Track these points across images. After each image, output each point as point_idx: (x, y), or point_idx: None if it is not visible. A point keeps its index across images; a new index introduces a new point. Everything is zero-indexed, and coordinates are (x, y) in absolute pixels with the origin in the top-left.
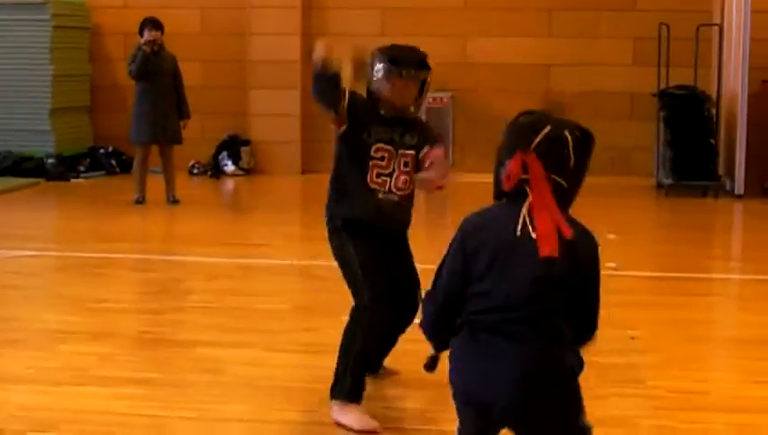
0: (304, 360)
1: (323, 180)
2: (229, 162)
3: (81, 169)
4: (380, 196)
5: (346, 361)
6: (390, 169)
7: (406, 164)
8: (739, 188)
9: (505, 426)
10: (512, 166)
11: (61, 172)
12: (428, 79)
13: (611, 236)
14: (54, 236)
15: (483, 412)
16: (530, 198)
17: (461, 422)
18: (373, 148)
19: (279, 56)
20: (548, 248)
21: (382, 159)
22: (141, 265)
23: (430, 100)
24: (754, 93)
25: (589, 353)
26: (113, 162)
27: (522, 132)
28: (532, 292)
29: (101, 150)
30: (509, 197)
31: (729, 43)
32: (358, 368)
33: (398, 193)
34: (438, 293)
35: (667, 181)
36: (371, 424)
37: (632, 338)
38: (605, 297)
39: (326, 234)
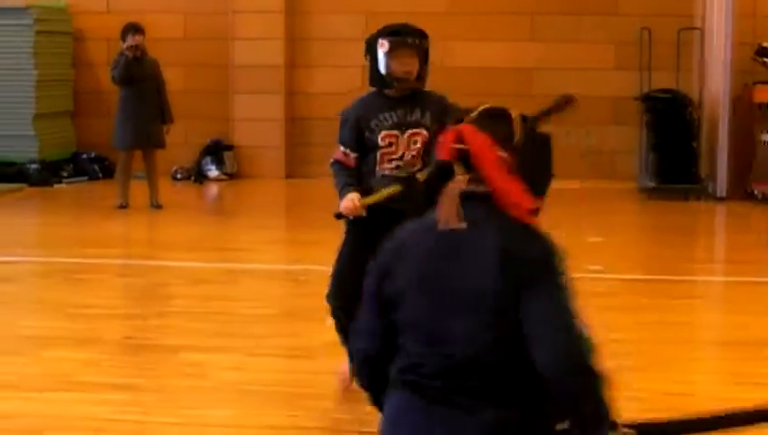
0: (288, 364)
1: (307, 184)
2: (213, 167)
3: (65, 174)
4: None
5: None
6: (400, 153)
7: (414, 142)
8: (721, 190)
9: None
10: (445, 135)
11: (44, 178)
12: (427, 48)
13: (595, 240)
14: (37, 242)
15: None
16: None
17: None
18: (380, 137)
19: (262, 61)
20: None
21: (390, 145)
22: (125, 271)
23: None
24: (736, 97)
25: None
26: (96, 167)
27: (456, 115)
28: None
29: (84, 156)
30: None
31: (710, 46)
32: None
33: (409, 172)
34: None
35: (650, 184)
36: None
37: (615, 341)
38: (588, 301)
39: None
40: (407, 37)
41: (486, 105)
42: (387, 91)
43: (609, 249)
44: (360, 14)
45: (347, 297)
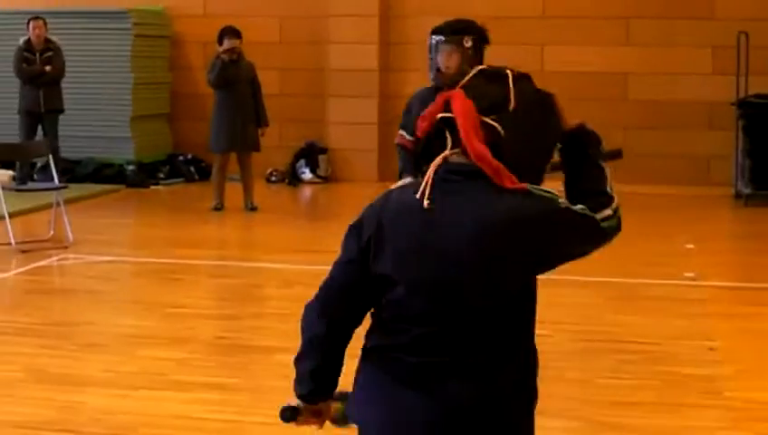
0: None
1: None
2: (307, 170)
3: (161, 175)
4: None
5: None
6: None
7: None
8: None
9: None
10: (432, 105)
11: (140, 179)
12: (468, 45)
13: (690, 246)
14: (133, 242)
15: None
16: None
17: None
18: None
19: (357, 65)
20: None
21: None
22: (219, 272)
23: None
24: None
25: (667, 364)
26: (192, 169)
27: (448, 81)
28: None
29: (180, 158)
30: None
31: None
32: None
33: None
34: None
35: (746, 191)
36: None
37: (711, 349)
38: (683, 308)
39: None
40: (442, 34)
41: (484, 66)
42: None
43: (703, 256)
44: (454, 18)
45: None
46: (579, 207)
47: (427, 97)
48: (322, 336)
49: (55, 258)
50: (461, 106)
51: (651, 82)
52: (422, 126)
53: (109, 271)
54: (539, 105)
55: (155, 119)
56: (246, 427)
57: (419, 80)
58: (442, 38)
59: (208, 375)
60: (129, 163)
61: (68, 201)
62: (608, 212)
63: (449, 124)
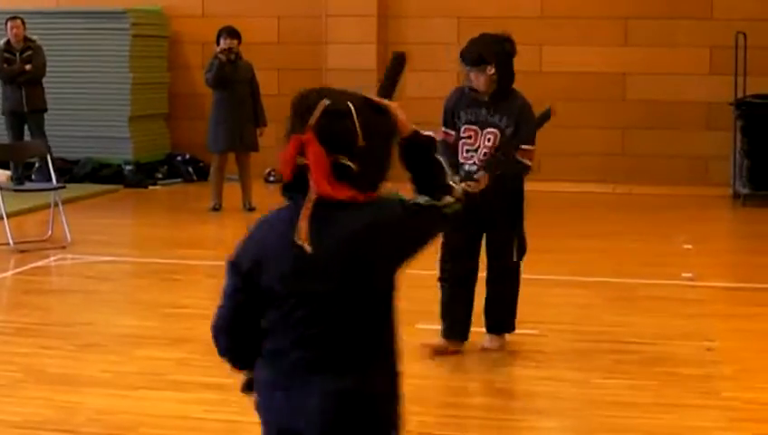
0: None
1: (401, 189)
2: None
3: (159, 176)
4: (467, 167)
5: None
6: (477, 145)
7: (489, 140)
8: None
9: None
10: (288, 149)
11: (139, 179)
12: (491, 72)
13: (688, 247)
14: (132, 242)
15: None
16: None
17: None
18: (462, 129)
19: (355, 65)
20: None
21: (470, 137)
22: (217, 272)
23: None
24: None
25: (666, 365)
26: (190, 169)
27: (296, 110)
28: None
29: (179, 158)
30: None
31: None
32: None
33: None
34: None
35: (744, 191)
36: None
37: (709, 349)
38: (681, 308)
39: None
40: (467, 64)
41: (327, 102)
42: (476, 95)
43: (701, 256)
44: (452, 18)
45: (456, 260)
46: (424, 199)
47: (464, 97)
48: (232, 349)
49: (53, 258)
50: (313, 154)
51: (649, 82)
52: (286, 171)
53: (107, 271)
54: (381, 128)
55: (153, 119)
56: (245, 427)
57: (417, 80)
58: (465, 64)
59: (207, 375)
60: (127, 163)
61: (66, 201)
62: (449, 199)
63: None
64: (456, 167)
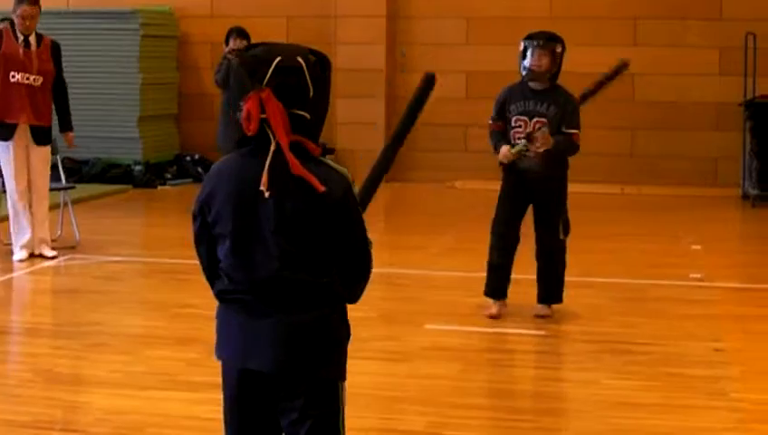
0: (385, 368)
1: (408, 189)
2: None
3: (168, 176)
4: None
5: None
6: (526, 133)
7: (538, 128)
8: None
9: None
10: (249, 106)
11: (148, 179)
12: (558, 51)
13: (697, 247)
14: (141, 242)
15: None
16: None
17: None
18: (513, 119)
19: (364, 65)
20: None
21: (520, 126)
22: None
23: None
24: None
25: (674, 365)
26: (199, 169)
27: (252, 68)
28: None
29: (188, 158)
30: (253, 142)
31: None
32: None
33: (532, 151)
34: None
35: (754, 192)
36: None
37: (717, 350)
38: (690, 309)
39: None
40: (535, 39)
41: (279, 58)
42: (530, 84)
43: (710, 257)
44: (461, 19)
45: (506, 224)
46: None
47: (516, 90)
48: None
49: (63, 258)
50: (272, 108)
51: (658, 82)
52: (253, 127)
53: (116, 271)
54: (324, 79)
55: (162, 119)
56: None
57: None
58: (537, 42)
59: (217, 375)
60: (136, 163)
61: (75, 201)
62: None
63: (268, 122)
64: (503, 141)
